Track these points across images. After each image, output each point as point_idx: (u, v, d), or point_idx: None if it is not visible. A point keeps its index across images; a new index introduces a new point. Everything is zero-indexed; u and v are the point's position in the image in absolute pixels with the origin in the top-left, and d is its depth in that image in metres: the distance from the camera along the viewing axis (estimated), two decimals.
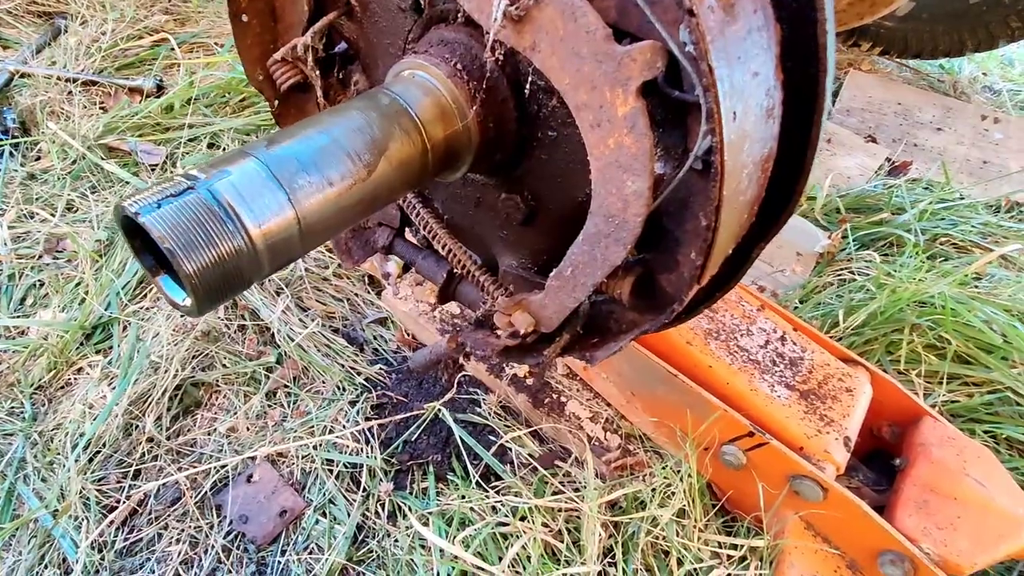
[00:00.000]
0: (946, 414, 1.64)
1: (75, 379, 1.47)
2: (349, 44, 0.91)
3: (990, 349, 1.70)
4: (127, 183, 1.82)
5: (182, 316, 1.53)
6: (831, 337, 1.70)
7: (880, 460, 1.44)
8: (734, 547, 1.30)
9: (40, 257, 1.67)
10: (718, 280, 0.74)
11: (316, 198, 0.60)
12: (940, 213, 2.18)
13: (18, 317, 1.55)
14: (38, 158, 1.89)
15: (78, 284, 1.61)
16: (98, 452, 1.35)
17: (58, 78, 2.06)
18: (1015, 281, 1.94)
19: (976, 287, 1.87)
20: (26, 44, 2.17)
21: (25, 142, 1.91)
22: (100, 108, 2.04)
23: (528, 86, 0.67)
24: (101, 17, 2.28)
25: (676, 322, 0.76)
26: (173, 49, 2.21)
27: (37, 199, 1.79)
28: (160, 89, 2.10)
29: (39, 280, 1.63)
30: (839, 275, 1.95)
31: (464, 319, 1.63)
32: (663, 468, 1.38)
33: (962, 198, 2.29)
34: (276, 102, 0.94)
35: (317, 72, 0.88)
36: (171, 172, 1.85)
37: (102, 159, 1.86)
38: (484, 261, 0.96)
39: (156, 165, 1.89)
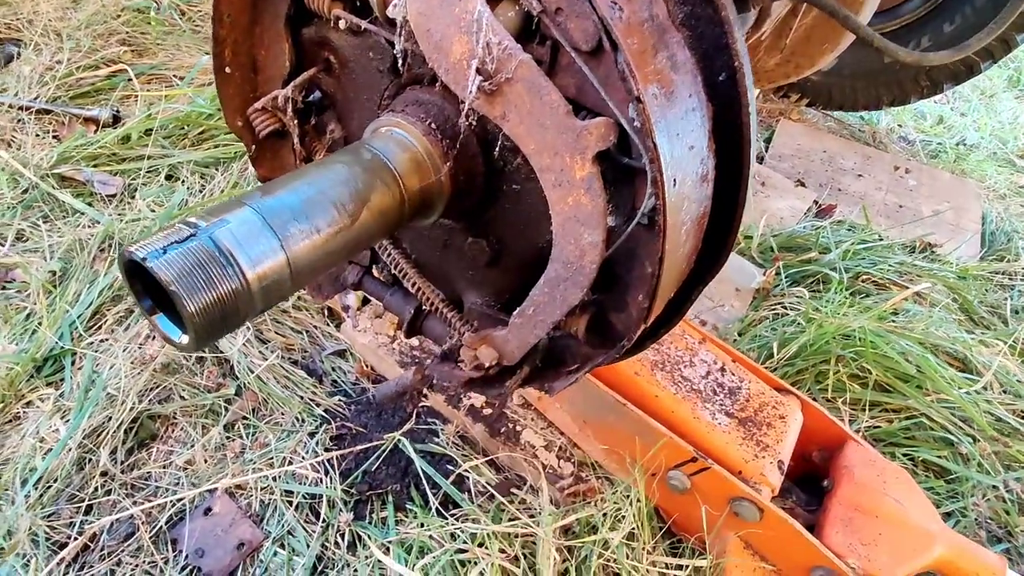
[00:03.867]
0: (869, 438, 1.79)
1: (24, 412, 1.44)
2: (326, 96, 0.97)
3: (906, 379, 1.87)
4: (82, 213, 1.81)
5: (163, 347, 1.53)
6: (766, 368, 1.83)
7: (811, 482, 1.56)
8: (680, 567, 1.38)
9: None
10: (662, 319, 0.83)
11: (305, 244, 0.66)
12: (862, 253, 2.38)
13: None
14: None
15: (29, 315, 1.59)
16: (49, 487, 1.33)
17: (10, 106, 2.03)
18: (927, 316, 2.13)
19: (893, 321, 2.05)
20: None
21: None
22: (54, 137, 2.03)
23: (497, 146, 0.75)
24: (56, 45, 2.27)
25: (626, 356, 0.84)
26: (131, 80, 2.22)
27: None
28: (117, 120, 2.10)
29: None
30: (773, 310, 2.10)
31: (423, 351, 1.68)
32: (614, 494, 1.46)
33: (881, 239, 2.50)
34: (254, 147, 1.00)
35: (295, 121, 0.94)
36: (131, 203, 1.85)
37: (55, 188, 1.85)
38: (449, 297, 1.03)
39: (112, 195, 1.88)
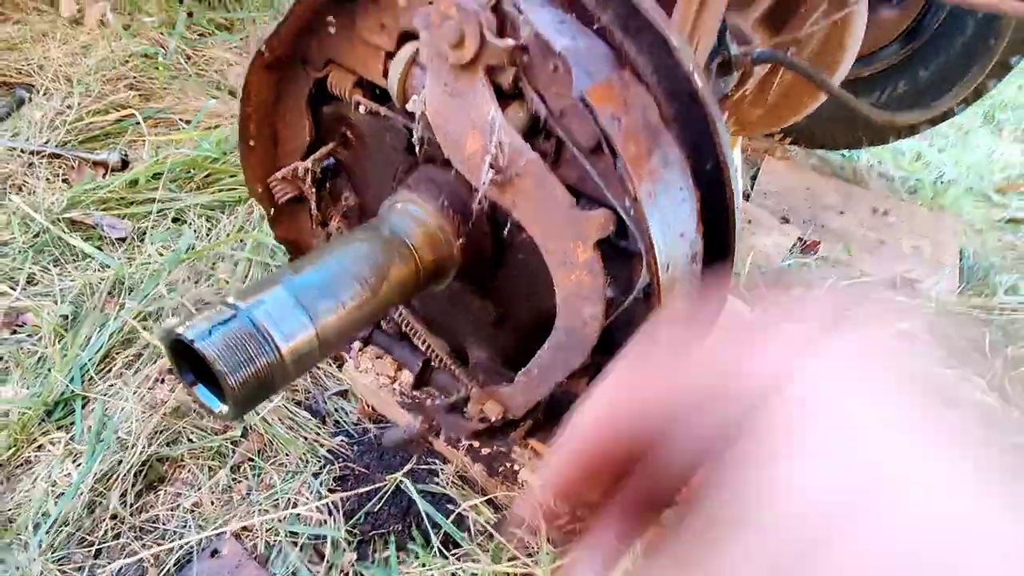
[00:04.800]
0: None
1: (36, 456, 1.47)
2: (342, 167, 1.05)
3: None
4: (91, 257, 1.86)
5: (173, 392, 1.57)
6: None
7: None
8: None
9: None
10: None
11: (332, 317, 0.72)
12: (845, 289, 2.47)
13: None
14: None
15: (40, 359, 1.63)
16: (60, 531, 1.36)
17: (21, 151, 2.09)
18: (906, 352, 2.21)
19: None
20: None
21: None
22: (64, 181, 2.08)
23: (505, 225, 0.82)
24: (66, 90, 2.34)
25: None
26: (139, 124, 2.29)
27: None
28: (125, 164, 2.16)
29: None
30: None
31: (424, 393, 1.74)
32: None
33: (863, 275, 2.60)
34: (272, 211, 1.06)
35: (313, 190, 1.01)
36: (140, 246, 1.90)
37: (65, 232, 1.90)
38: (454, 349, 1.10)
39: (122, 239, 1.94)
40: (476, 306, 0.97)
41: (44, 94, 2.33)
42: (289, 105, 0.98)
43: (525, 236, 0.84)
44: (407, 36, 0.79)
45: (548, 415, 0.97)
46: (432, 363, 1.05)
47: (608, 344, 0.83)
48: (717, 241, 0.79)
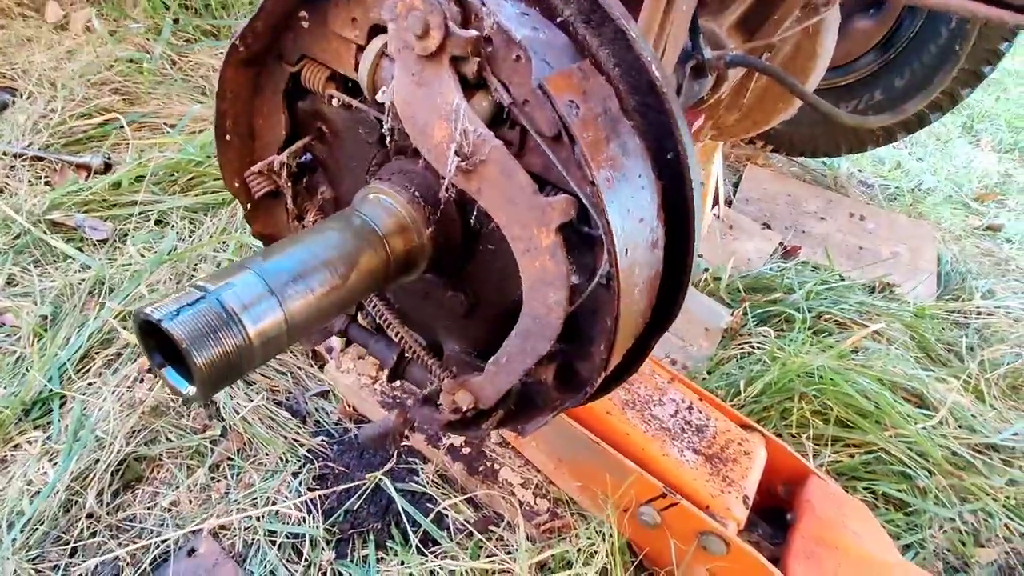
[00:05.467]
0: (832, 473, 1.87)
1: (12, 456, 1.47)
2: (317, 160, 1.06)
3: (865, 415, 1.96)
4: (72, 259, 1.86)
5: (152, 390, 1.57)
6: (734, 405, 1.92)
7: (776, 515, 1.63)
8: None
9: None
10: (624, 365, 0.92)
11: (301, 303, 0.74)
12: (824, 293, 2.50)
13: None
14: None
15: (19, 359, 1.63)
16: (35, 530, 1.35)
17: (4, 153, 2.09)
18: (885, 353, 2.25)
19: (853, 359, 2.16)
20: None
21: None
22: (46, 184, 2.09)
23: (473, 213, 0.84)
24: (50, 94, 2.35)
25: (592, 399, 0.92)
26: (123, 128, 2.29)
27: None
28: (108, 167, 2.16)
29: None
30: (741, 349, 2.20)
31: (403, 392, 1.75)
32: (587, 529, 1.52)
33: (842, 279, 2.63)
34: (249, 206, 1.08)
35: (289, 183, 1.03)
36: (121, 248, 1.91)
37: (46, 234, 1.90)
38: (429, 343, 1.11)
39: (103, 241, 1.94)
40: (448, 297, 0.99)
41: (28, 98, 2.33)
42: (265, 100, 0.99)
43: (493, 226, 0.86)
44: (377, 29, 0.81)
45: (519, 405, 0.98)
46: (407, 355, 1.07)
47: (574, 332, 0.85)
48: (681, 231, 0.81)
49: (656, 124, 0.76)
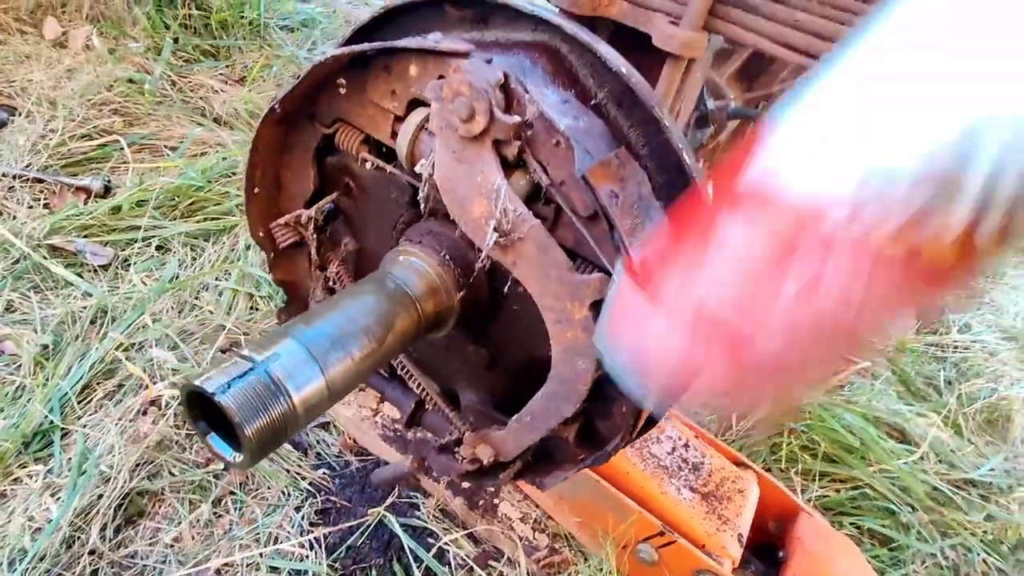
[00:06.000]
0: (819, 508, 1.93)
1: (12, 490, 1.45)
2: (342, 212, 1.09)
3: (851, 450, 2.03)
4: (73, 285, 1.86)
5: (156, 424, 1.57)
6: (726, 439, 1.97)
7: (768, 552, 1.68)
8: None
9: None
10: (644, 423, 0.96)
11: (340, 368, 0.76)
12: None
13: None
14: None
15: (19, 389, 1.61)
16: (36, 568, 1.34)
17: (2, 174, 2.08)
18: (869, 388, 2.33)
19: (840, 395, 2.23)
20: None
21: None
22: (45, 207, 2.07)
23: (503, 279, 0.88)
24: (49, 113, 2.33)
25: (609, 457, 0.96)
26: (123, 149, 2.29)
27: None
28: (108, 190, 2.16)
29: None
30: None
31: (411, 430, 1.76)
32: (587, 565, 1.55)
33: None
34: (272, 254, 1.10)
35: (314, 236, 1.05)
36: (123, 274, 1.90)
37: (46, 259, 1.89)
38: (445, 391, 1.14)
39: (104, 266, 1.93)
40: (470, 351, 1.02)
41: (27, 117, 2.31)
42: (295, 156, 1.02)
43: (521, 290, 0.89)
44: (416, 103, 0.85)
45: (537, 458, 1.01)
46: (425, 404, 1.09)
47: (598, 393, 0.89)
48: None
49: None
